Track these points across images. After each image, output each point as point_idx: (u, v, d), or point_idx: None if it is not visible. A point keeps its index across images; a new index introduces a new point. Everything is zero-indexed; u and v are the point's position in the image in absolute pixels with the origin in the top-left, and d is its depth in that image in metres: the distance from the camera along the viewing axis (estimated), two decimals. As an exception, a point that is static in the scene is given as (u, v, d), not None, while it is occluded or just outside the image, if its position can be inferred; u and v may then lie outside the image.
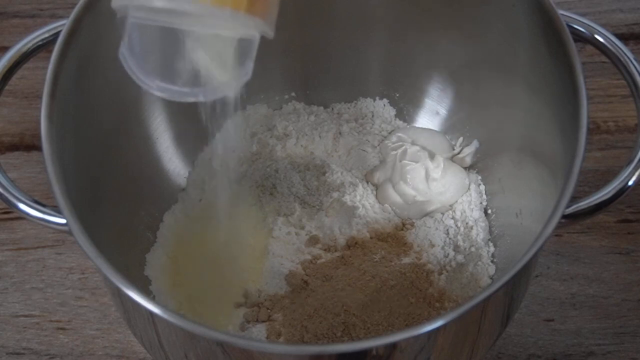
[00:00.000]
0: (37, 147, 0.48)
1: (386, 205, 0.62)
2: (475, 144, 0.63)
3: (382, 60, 0.65)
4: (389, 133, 0.66)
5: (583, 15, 0.52)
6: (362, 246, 0.59)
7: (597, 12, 0.75)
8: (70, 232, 0.45)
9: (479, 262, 0.58)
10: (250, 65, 0.43)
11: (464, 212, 0.61)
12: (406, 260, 0.58)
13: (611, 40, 0.51)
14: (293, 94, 0.67)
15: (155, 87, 0.43)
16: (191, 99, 0.44)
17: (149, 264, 0.59)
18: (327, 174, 0.62)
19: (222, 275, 0.58)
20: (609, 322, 0.60)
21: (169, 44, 0.43)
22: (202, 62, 0.43)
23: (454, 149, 0.64)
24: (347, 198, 0.61)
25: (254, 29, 0.42)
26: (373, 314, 0.54)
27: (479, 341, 0.49)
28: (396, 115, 0.67)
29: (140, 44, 0.42)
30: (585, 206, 0.47)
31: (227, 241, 0.59)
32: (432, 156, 0.62)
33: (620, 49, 0.51)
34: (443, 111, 0.65)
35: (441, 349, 0.46)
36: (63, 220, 0.46)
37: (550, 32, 0.51)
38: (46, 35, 0.52)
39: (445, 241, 0.59)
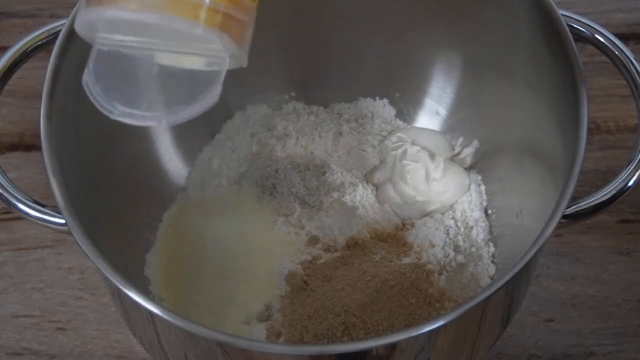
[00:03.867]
0: (36, 147, 0.48)
1: (386, 205, 0.62)
2: (475, 144, 0.63)
3: (382, 60, 0.65)
4: (389, 133, 0.65)
5: (583, 15, 0.52)
6: (362, 246, 0.59)
7: (598, 12, 0.75)
8: (69, 232, 0.45)
9: (479, 262, 0.58)
10: (217, 89, 0.41)
11: (464, 212, 0.61)
12: (406, 260, 0.58)
13: (612, 40, 0.51)
14: (293, 94, 0.67)
15: (117, 113, 0.41)
16: (153, 124, 0.43)
17: (148, 264, 0.59)
18: (327, 174, 0.62)
19: (221, 275, 0.58)
20: (609, 322, 0.60)
21: (133, 67, 0.42)
22: (169, 87, 0.42)
23: (454, 149, 0.64)
24: (347, 198, 0.61)
25: (224, 50, 0.41)
26: (373, 314, 0.54)
27: (479, 341, 0.49)
28: (396, 115, 0.67)
29: (105, 72, 0.41)
30: (586, 206, 0.47)
31: (227, 241, 0.59)
32: (432, 156, 0.62)
33: (621, 49, 0.51)
34: (443, 111, 0.65)
35: (441, 349, 0.46)
36: (62, 220, 0.46)
37: (551, 32, 0.51)
38: (46, 35, 0.52)
39: (445, 241, 0.59)
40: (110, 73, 0.41)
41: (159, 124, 0.43)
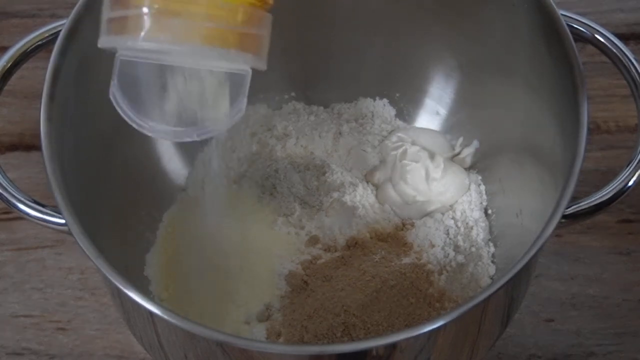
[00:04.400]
0: (36, 147, 0.48)
1: (386, 205, 0.62)
2: (475, 144, 0.63)
3: (382, 60, 0.65)
4: (389, 133, 0.65)
5: (583, 15, 0.52)
6: (362, 246, 0.59)
7: (598, 11, 0.75)
8: (69, 232, 0.45)
9: (479, 262, 0.58)
10: (243, 101, 0.42)
11: (464, 212, 0.61)
12: (406, 260, 0.58)
13: (612, 40, 0.51)
14: (293, 94, 0.67)
15: (147, 128, 0.42)
16: (186, 139, 0.44)
17: (148, 264, 0.59)
18: (327, 174, 0.62)
19: (221, 275, 0.58)
20: (609, 322, 0.60)
21: (159, 82, 0.42)
22: (194, 100, 0.42)
23: (454, 149, 0.64)
24: (347, 198, 0.61)
25: (245, 64, 0.42)
26: (373, 314, 0.54)
27: (479, 341, 0.49)
28: (396, 115, 0.67)
29: (130, 84, 0.42)
30: (586, 206, 0.47)
31: (227, 241, 0.59)
32: (432, 156, 0.62)
33: (621, 49, 0.51)
34: (443, 111, 0.65)
35: (441, 349, 0.46)
36: (62, 220, 0.46)
37: (551, 31, 0.51)
38: (46, 35, 0.52)
39: (445, 241, 0.59)
40: (135, 85, 0.42)
41: (191, 139, 0.43)
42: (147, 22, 0.39)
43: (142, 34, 0.39)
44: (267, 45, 0.42)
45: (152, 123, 0.42)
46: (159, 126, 0.43)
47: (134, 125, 0.42)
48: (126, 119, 0.42)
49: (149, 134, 0.43)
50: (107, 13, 0.41)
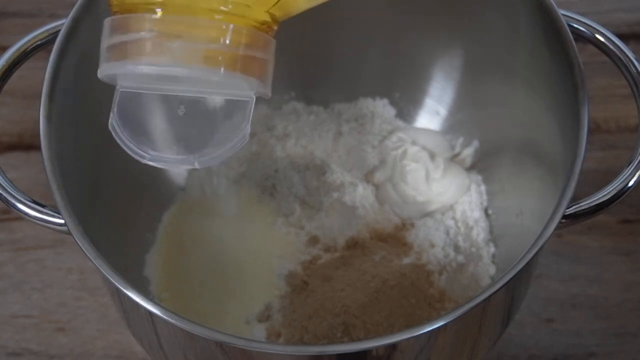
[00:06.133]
0: (36, 147, 0.48)
1: (386, 205, 0.61)
2: (475, 144, 0.63)
3: (382, 60, 0.65)
4: (389, 133, 0.65)
5: (584, 15, 0.52)
6: (362, 246, 0.59)
7: (598, 11, 0.75)
8: (69, 232, 0.45)
9: (480, 263, 0.58)
10: (247, 128, 0.41)
11: (465, 212, 0.61)
12: (406, 260, 0.58)
13: (612, 40, 0.51)
14: (293, 93, 0.67)
15: (148, 158, 0.41)
16: (187, 167, 0.43)
17: (148, 265, 0.59)
18: (327, 174, 0.62)
19: (221, 275, 0.58)
20: (609, 322, 0.60)
21: (159, 112, 0.41)
22: (196, 128, 0.42)
23: (454, 150, 0.64)
24: (347, 198, 0.61)
25: (249, 89, 0.41)
26: (373, 314, 0.54)
27: (480, 342, 0.49)
28: (396, 115, 0.67)
29: (130, 114, 0.41)
30: (586, 206, 0.47)
31: (227, 241, 0.59)
32: (432, 156, 0.62)
33: (621, 48, 0.51)
34: (443, 111, 0.65)
35: (441, 350, 0.46)
36: (62, 220, 0.46)
37: (551, 31, 0.51)
38: (45, 34, 0.52)
39: (445, 241, 0.59)
40: (135, 115, 0.41)
41: (192, 167, 0.42)
42: (148, 45, 0.38)
43: (143, 57, 0.38)
44: (271, 70, 0.41)
45: (153, 153, 0.41)
46: (160, 155, 0.41)
47: (135, 157, 0.41)
48: (127, 150, 0.41)
49: (151, 164, 0.42)
50: (106, 41, 0.39)
